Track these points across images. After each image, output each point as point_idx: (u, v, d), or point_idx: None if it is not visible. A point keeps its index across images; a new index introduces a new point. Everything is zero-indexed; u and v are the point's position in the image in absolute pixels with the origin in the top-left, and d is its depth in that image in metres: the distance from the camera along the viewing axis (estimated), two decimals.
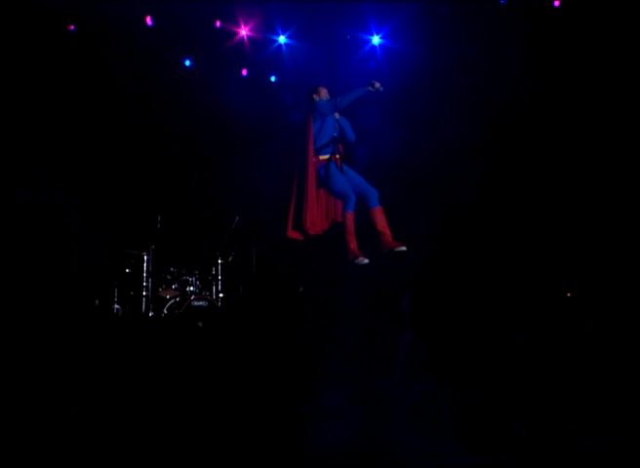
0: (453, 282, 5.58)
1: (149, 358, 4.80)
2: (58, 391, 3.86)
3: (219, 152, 8.14)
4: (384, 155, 6.88)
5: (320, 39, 7.30)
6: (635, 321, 4.91)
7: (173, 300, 6.93)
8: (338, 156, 5.49)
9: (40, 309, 5.98)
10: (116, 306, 6.98)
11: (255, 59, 7.60)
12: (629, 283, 5.71)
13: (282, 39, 7.42)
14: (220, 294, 7.26)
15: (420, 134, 7.14)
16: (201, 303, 6.82)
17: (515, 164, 6.76)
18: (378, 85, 5.30)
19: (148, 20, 6.94)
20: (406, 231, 5.98)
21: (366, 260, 5.22)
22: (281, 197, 5.72)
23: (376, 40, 7.39)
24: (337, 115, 5.56)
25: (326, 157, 5.47)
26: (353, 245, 5.27)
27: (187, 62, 7.69)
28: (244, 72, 7.85)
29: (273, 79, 8.04)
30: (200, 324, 6.62)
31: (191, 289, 7.10)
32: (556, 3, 6.62)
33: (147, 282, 7.06)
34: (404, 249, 5.25)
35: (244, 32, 7.27)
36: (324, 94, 5.61)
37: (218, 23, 7.13)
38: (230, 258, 7.44)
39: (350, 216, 5.33)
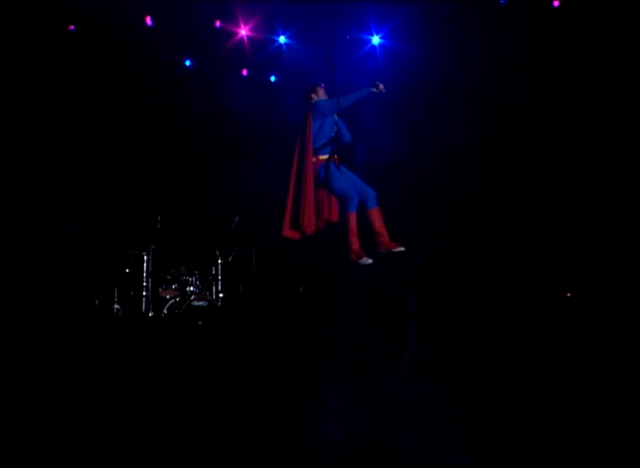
0: (454, 283, 5.58)
1: (149, 358, 4.80)
2: (58, 391, 3.86)
3: (218, 152, 8.14)
4: (384, 155, 6.88)
5: (320, 39, 7.29)
6: (635, 321, 4.92)
7: (173, 300, 6.93)
8: (336, 156, 5.49)
9: (40, 309, 5.98)
10: (116, 306, 6.99)
11: (255, 59, 7.60)
12: (629, 283, 5.71)
13: (282, 39, 7.43)
14: (220, 294, 7.26)
15: (420, 133, 7.13)
16: (201, 303, 6.82)
17: (515, 164, 6.76)
18: (381, 87, 5.29)
19: (148, 21, 6.94)
20: (406, 231, 5.99)
21: (370, 260, 5.22)
22: (281, 197, 5.72)
23: (375, 40, 7.39)
24: (335, 115, 5.56)
25: (325, 157, 5.47)
26: (356, 245, 5.27)
27: (187, 63, 7.69)
28: (244, 72, 7.85)
29: (273, 79, 8.04)
30: (200, 322, 6.63)
31: (191, 289, 7.10)
32: (556, 3, 6.62)
33: (147, 282, 7.07)
34: (402, 249, 5.25)
35: (244, 32, 7.27)
36: (321, 93, 5.62)
37: (217, 23, 7.12)
38: (230, 258, 7.44)
39: (353, 217, 5.32)
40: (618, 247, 6.13)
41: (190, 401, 3.74)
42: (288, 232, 5.37)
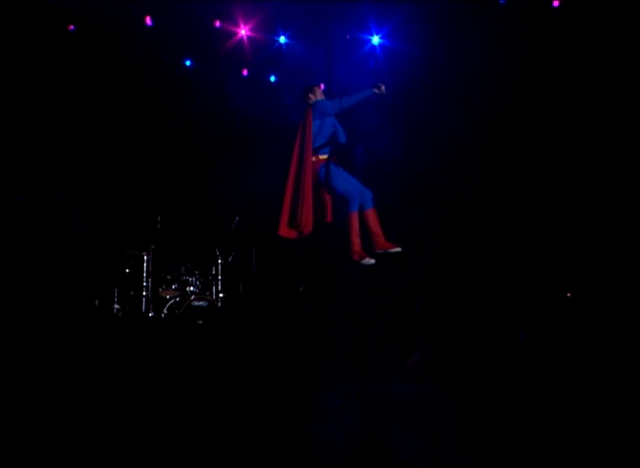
0: (454, 283, 5.59)
1: (149, 358, 4.80)
2: (58, 391, 3.86)
3: (219, 152, 8.14)
4: (383, 155, 6.88)
5: (320, 39, 7.29)
6: (635, 321, 4.92)
7: (173, 300, 6.94)
8: (334, 157, 5.50)
9: (40, 309, 5.98)
10: (116, 306, 6.99)
11: (255, 59, 7.59)
12: (629, 283, 5.71)
13: (282, 39, 7.43)
14: (220, 294, 7.26)
15: (420, 134, 7.13)
16: (201, 303, 6.82)
17: (515, 164, 6.76)
18: (383, 88, 5.30)
19: (148, 21, 6.94)
20: (406, 232, 5.99)
21: (372, 261, 5.23)
22: (280, 197, 5.72)
23: (375, 40, 7.39)
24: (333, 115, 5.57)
25: (325, 157, 5.47)
26: (358, 245, 5.27)
27: (188, 63, 7.69)
28: (244, 72, 7.85)
29: (273, 79, 8.04)
30: (200, 322, 6.63)
31: (191, 289, 7.10)
32: (555, 3, 6.62)
33: (147, 282, 7.07)
34: (398, 250, 5.27)
35: (244, 32, 7.27)
36: (319, 93, 5.62)
37: (217, 23, 7.12)
38: (230, 258, 7.44)
39: (355, 217, 5.33)
40: (617, 247, 6.13)
41: (190, 401, 3.74)
42: (285, 231, 5.37)
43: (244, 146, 8.02)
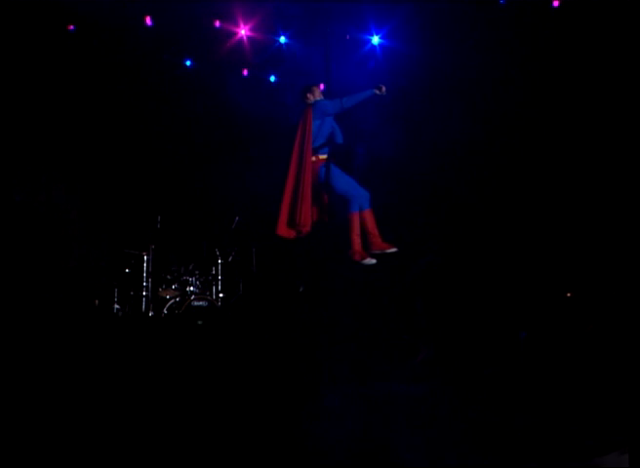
0: (454, 283, 5.59)
1: (149, 358, 4.80)
2: (58, 391, 3.86)
3: (219, 152, 8.14)
4: (383, 155, 6.88)
5: (320, 39, 7.29)
6: (635, 321, 4.92)
7: (173, 300, 6.94)
8: (333, 157, 5.51)
9: (40, 309, 5.98)
10: (116, 306, 6.99)
11: (255, 59, 7.59)
12: (629, 283, 5.71)
13: (282, 39, 7.43)
14: (220, 294, 7.26)
15: (419, 134, 7.13)
16: (201, 303, 6.83)
17: (515, 164, 6.76)
18: (384, 89, 5.32)
19: (148, 21, 6.94)
20: (405, 232, 6.00)
21: (373, 261, 5.25)
22: (280, 196, 5.72)
23: (375, 40, 7.38)
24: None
25: (325, 157, 5.47)
26: (359, 245, 5.29)
27: (188, 63, 7.69)
28: (244, 72, 7.85)
29: (273, 79, 8.04)
30: (200, 322, 6.63)
31: (191, 289, 7.10)
32: (555, 3, 6.63)
33: (147, 282, 7.07)
34: (394, 250, 5.29)
35: (243, 32, 7.27)
36: (317, 93, 5.63)
37: (217, 23, 7.12)
38: (230, 258, 7.44)
39: (356, 217, 5.34)
40: (617, 247, 6.13)
41: (190, 401, 3.74)
42: (283, 231, 5.38)
43: (244, 146, 8.02)
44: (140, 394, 3.88)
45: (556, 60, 6.68)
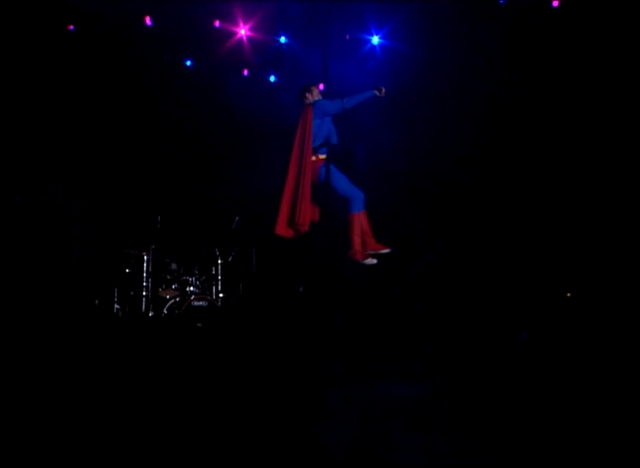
0: (454, 282, 5.60)
1: (149, 358, 4.80)
2: (58, 390, 3.87)
3: (219, 152, 8.14)
4: (383, 155, 6.88)
5: (320, 39, 7.30)
6: (635, 321, 4.92)
7: (173, 300, 6.93)
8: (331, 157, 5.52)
9: (40, 309, 5.97)
10: (116, 306, 6.98)
11: (255, 59, 7.60)
12: (629, 283, 5.71)
13: (282, 39, 7.43)
14: (220, 294, 7.26)
15: (419, 134, 7.13)
16: (201, 303, 6.82)
17: (515, 164, 6.76)
18: (383, 91, 5.33)
19: (148, 21, 6.94)
20: (405, 232, 6.00)
21: (374, 261, 5.27)
22: (280, 196, 5.72)
23: (375, 40, 7.38)
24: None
25: (324, 157, 5.48)
26: (360, 245, 5.31)
27: (188, 63, 7.69)
28: (244, 72, 7.85)
29: (273, 79, 8.04)
30: (199, 324, 6.63)
31: (191, 289, 7.10)
32: (555, 3, 6.63)
33: (147, 282, 7.07)
34: (388, 251, 5.33)
35: (243, 32, 7.27)
36: (316, 93, 5.64)
37: (217, 23, 7.12)
38: (230, 258, 7.44)
39: (356, 217, 5.36)
40: (617, 247, 6.13)
41: (191, 401, 3.74)
42: (282, 230, 5.39)
43: (244, 146, 8.02)
44: (140, 394, 3.88)
45: (556, 60, 6.68)
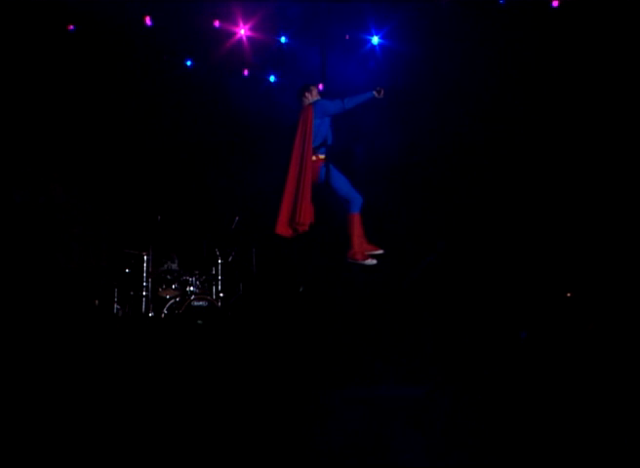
0: (455, 282, 5.59)
1: (149, 358, 4.80)
2: (58, 391, 3.86)
3: (219, 152, 8.14)
4: (383, 155, 6.88)
5: (320, 39, 7.30)
6: (635, 321, 4.92)
7: (173, 300, 6.93)
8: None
9: (40, 310, 5.97)
10: (116, 306, 6.98)
11: (255, 59, 7.60)
12: (629, 283, 5.71)
13: (282, 39, 7.43)
14: (221, 294, 7.26)
15: (419, 134, 7.13)
16: (201, 303, 6.82)
17: (515, 164, 6.76)
18: (382, 92, 5.34)
19: (147, 21, 6.94)
20: (405, 233, 6.00)
21: (374, 261, 5.28)
22: (280, 196, 5.73)
23: (375, 40, 7.38)
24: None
25: (323, 156, 5.48)
26: (360, 246, 5.31)
27: (188, 63, 7.69)
28: (244, 72, 7.85)
29: (273, 79, 8.04)
30: (200, 321, 6.63)
31: (191, 289, 7.10)
32: (555, 3, 6.63)
33: (147, 282, 7.06)
34: (381, 252, 5.34)
35: (243, 32, 7.27)
36: (315, 93, 5.65)
37: (217, 23, 7.12)
38: (230, 258, 7.44)
39: (356, 217, 5.37)
40: (617, 247, 6.13)
41: (191, 401, 3.74)
42: (282, 230, 5.40)
43: (244, 146, 8.03)
44: (140, 394, 3.88)
45: (556, 60, 6.68)
